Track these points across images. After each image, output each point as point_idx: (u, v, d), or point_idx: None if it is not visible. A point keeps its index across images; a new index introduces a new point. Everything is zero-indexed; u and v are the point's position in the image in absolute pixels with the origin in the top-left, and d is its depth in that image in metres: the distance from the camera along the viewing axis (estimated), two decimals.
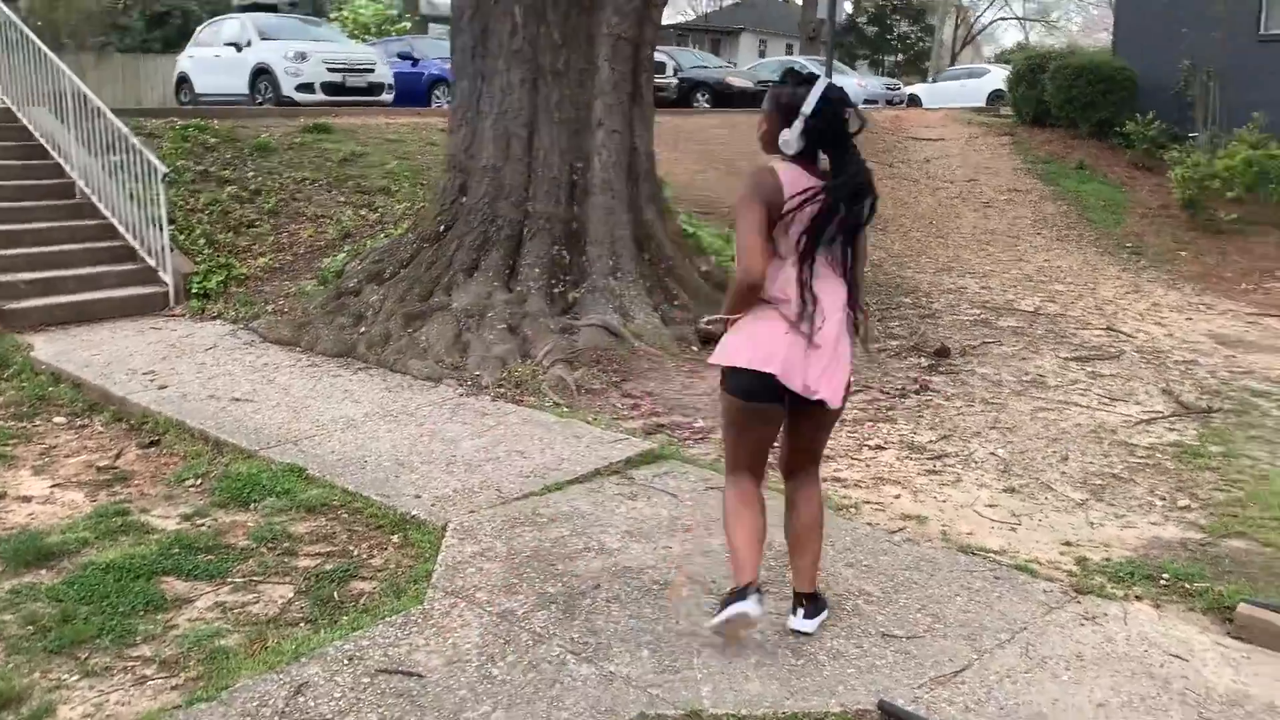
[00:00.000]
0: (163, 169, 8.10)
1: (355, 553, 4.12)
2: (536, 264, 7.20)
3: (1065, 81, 16.36)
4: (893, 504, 4.69)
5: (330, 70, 15.65)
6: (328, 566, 3.99)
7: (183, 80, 17.70)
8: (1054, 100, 16.72)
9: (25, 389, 6.18)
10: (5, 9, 9.73)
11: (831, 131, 3.20)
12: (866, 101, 25.24)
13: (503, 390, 6.08)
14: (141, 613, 3.60)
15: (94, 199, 8.92)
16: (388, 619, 3.48)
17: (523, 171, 7.34)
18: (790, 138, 3.19)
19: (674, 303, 7.39)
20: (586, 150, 7.43)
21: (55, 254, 8.28)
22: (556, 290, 7.19)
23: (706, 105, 20.54)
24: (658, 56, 21.16)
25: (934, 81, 32.51)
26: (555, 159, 7.34)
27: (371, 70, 16.28)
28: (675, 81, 20.74)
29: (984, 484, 4.97)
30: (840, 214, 3.19)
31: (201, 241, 8.67)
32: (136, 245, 8.49)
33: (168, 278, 8.17)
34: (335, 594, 3.77)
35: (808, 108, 3.17)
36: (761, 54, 53.26)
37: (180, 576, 3.88)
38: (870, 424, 5.83)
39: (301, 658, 3.23)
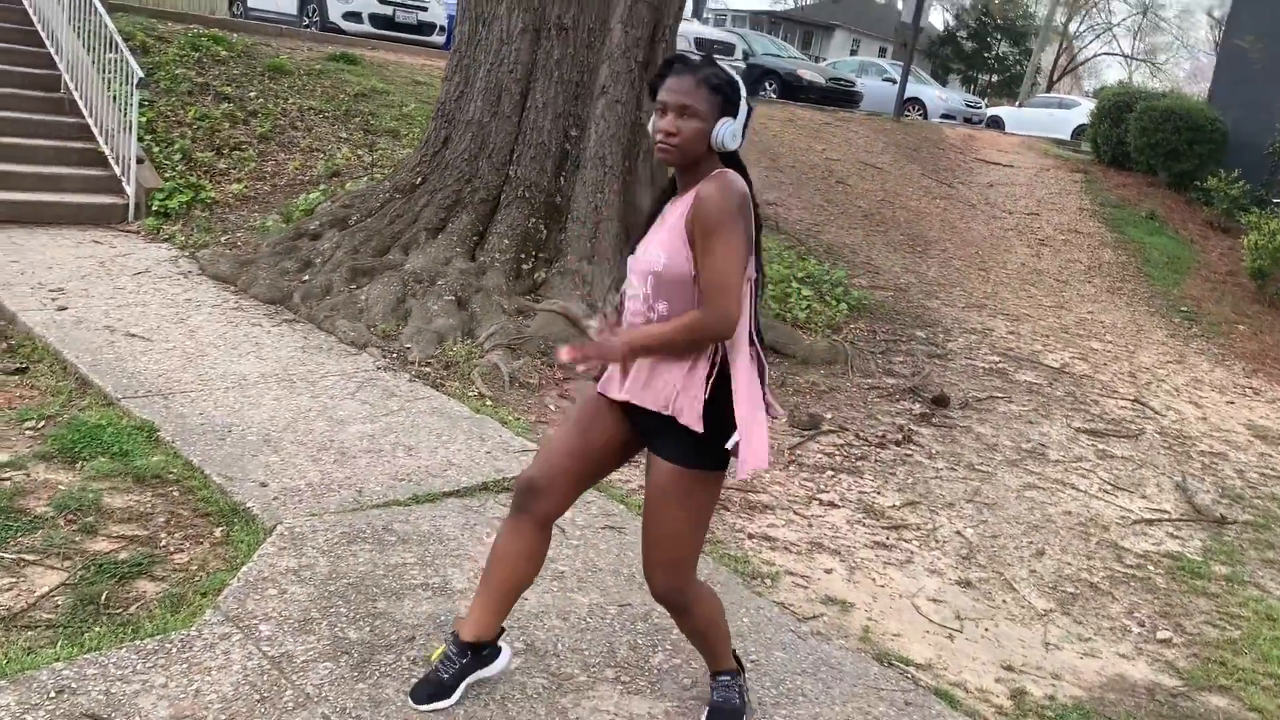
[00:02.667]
0: (139, 73, 7.51)
1: (164, 542, 3.49)
2: (508, 234, 6.50)
3: (1150, 124, 15.27)
4: (820, 580, 3.97)
5: (381, 2, 15.08)
6: (122, 555, 3.36)
7: None
8: (1136, 143, 15.64)
9: None
10: None
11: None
12: (943, 116, 24.19)
13: (428, 370, 5.41)
14: None
15: (76, 96, 8.40)
16: (141, 641, 2.84)
17: (510, 131, 6.64)
18: (737, 129, 2.49)
19: None
20: (584, 118, 6.71)
21: (22, 147, 7.77)
22: (525, 267, 6.50)
23: (773, 95, 19.66)
24: (727, 37, 20.47)
25: (1020, 106, 31.23)
26: (547, 122, 6.62)
27: (425, 9, 15.67)
28: (744, 66, 19.87)
29: (936, 569, 4.23)
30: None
31: (177, 157, 8.10)
32: (107, 151, 7.95)
33: (130, 190, 7.62)
34: (107, 594, 3.14)
35: (744, 90, 2.53)
36: (853, 53, 51.91)
37: None
38: (831, 473, 5.10)
39: (1, 680, 2.61)
